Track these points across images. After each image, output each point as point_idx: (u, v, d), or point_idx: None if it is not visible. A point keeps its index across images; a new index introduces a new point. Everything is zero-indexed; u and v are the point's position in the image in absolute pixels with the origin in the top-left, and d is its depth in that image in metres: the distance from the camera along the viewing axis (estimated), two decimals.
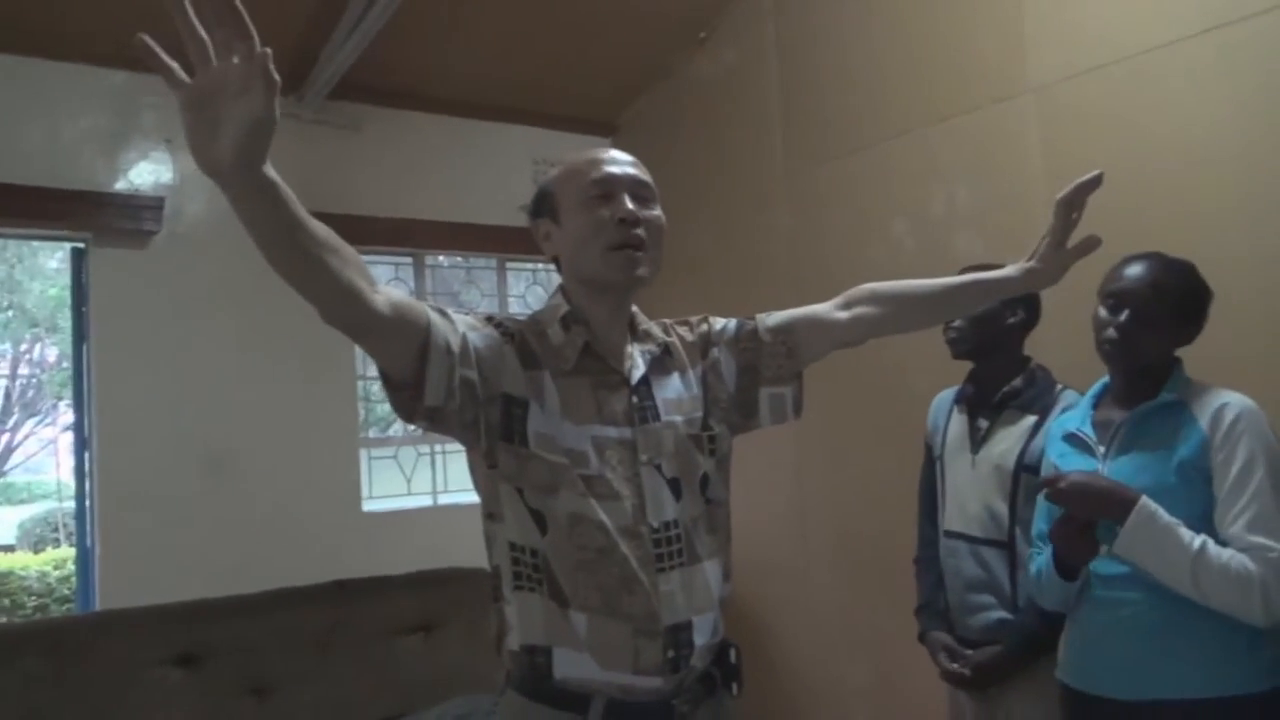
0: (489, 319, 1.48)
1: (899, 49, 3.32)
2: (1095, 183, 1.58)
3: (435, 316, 1.36)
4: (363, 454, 4.05)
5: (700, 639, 1.45)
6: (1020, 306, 2.28)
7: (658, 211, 1.52)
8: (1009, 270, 1.65)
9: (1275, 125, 2.35)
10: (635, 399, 1.50)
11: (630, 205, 1.48)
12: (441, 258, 4.50)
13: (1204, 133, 2.48)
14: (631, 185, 1.51)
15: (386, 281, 4.30)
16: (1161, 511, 1.71)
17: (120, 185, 3.54)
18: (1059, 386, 2.26)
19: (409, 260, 4.33)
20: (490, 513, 1.47)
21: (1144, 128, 2.61)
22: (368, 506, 4.03)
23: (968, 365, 2.38)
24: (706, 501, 1.53)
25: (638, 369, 1.52)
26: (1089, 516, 1.77)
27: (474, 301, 4.62)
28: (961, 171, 3.11)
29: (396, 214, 4.03)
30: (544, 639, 1.41)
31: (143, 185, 3.58)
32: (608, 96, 4.50)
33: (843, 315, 1.65)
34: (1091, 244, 1.60)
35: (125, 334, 3.50)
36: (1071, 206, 1.60)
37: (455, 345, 1.36)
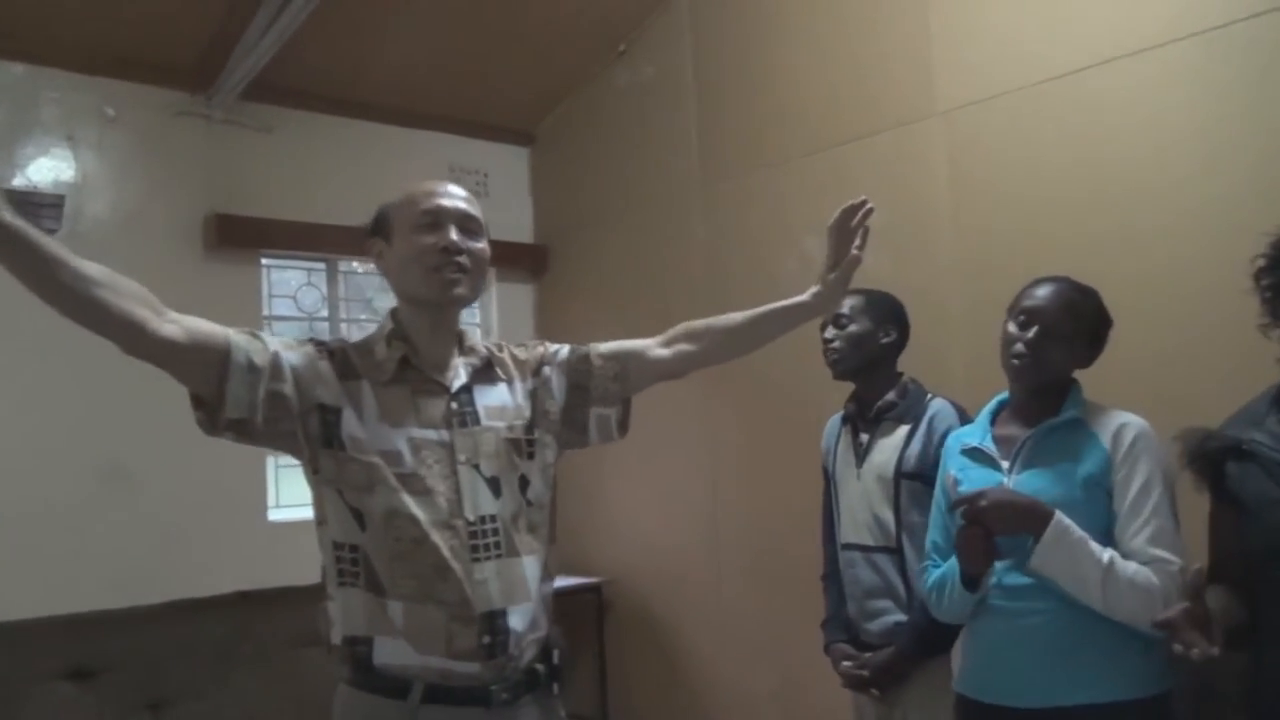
0: (310, 340, 1.61)
1: (812, 70, 3.40)
2: (861, 209, 1.67)
3: (239, 338, 1.48)
4: (269, 462, 3.96)
5: (518, 626, 1.55)
6: (893, 327, 2.40)
7: (483, 244, 1.66)
8: (802, 296, 1.73)
9: (1167, 153, 2.47)
10: (454, 405, 1.63)
11: (454, 236, 1.60)
12: (355, 264, 4.43)
13: (1098, 158, 2.60)
14: (459, 218, 1.62)
15: (297, 288, 4.23)
16: (1074, 526, 1.78)
17: (18, 181, 3.42)
18: (928, 396, 2.37)
19: (322, 266, 4.26)
20: (319, 519, 1.58)
21: (1043, 152, 2.72)
22: (273, 515, 3.95)
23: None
24: (527, 503, 1.64)
25: (459, 378, 1.65)
26: (1007, 532, 1.82)
27: (387, 308, 4.56)
28: (870, 190, 3.14)
29: (309, 219, 3.95)
30: (364, 629, 1.52)
31: (42, 182, 3.46)
32: (526, 105, 4.50)
33: (665, 351, 1.79)
34: (853, 263, 1.67)
35: (20, 335, 3.37)
36: (842, 232, 1.68)
37: (262, 362, 1.48)
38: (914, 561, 2.21)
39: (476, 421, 1.63)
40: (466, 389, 1.65)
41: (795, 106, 3.46)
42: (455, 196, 1.65)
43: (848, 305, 2.38)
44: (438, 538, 1.52)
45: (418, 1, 3.62)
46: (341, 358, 1.60)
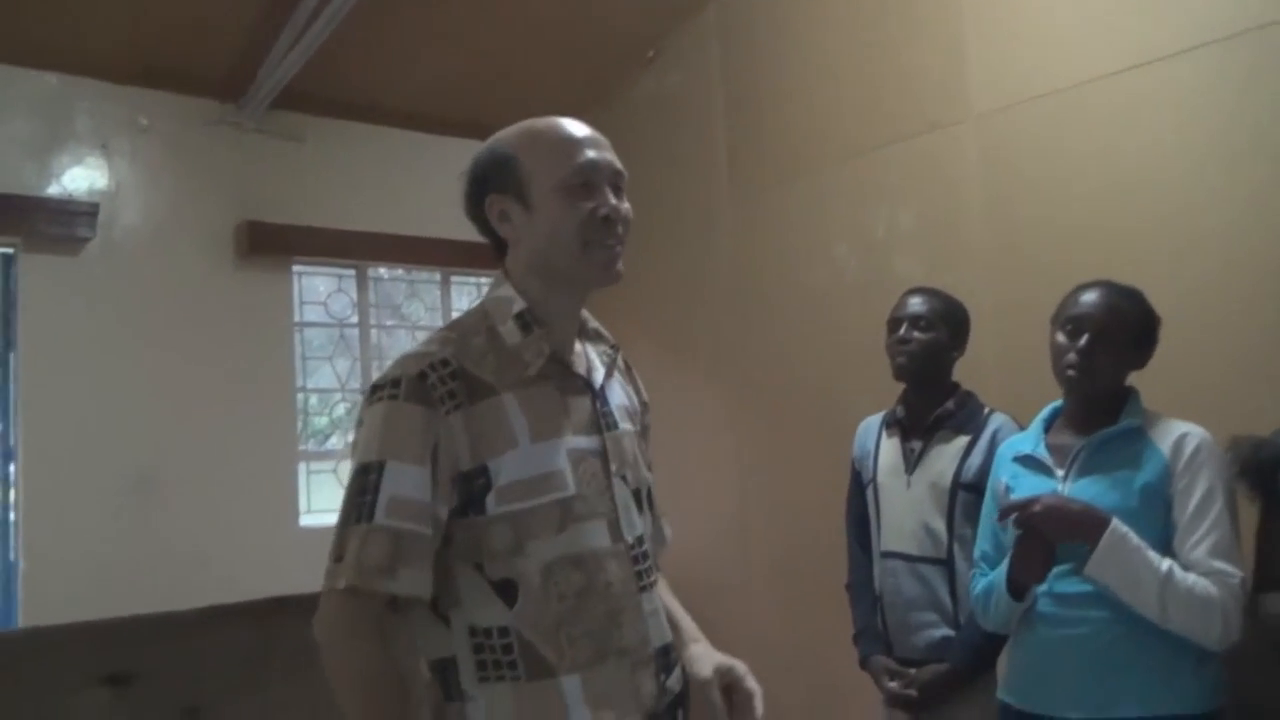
0: (421, 379, 1.23)
1: (842, 76, 3.37)
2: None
3: (425, 529, 1.20)
4: (301, 467, 3.98)
5: (675, 658, 1.36)
6: (963, 342, 2.36)
7: (628, 204, 1.37)
8: (693, 646, 1.43)
9: (1201, 155, 2.43)
10: (598, 404, 1.35)
11: (612, 199, 1.32)
12: (384, 270, 4.45)
13: (1133, 161, 2.56)
14: (613, 175, 1.35)
15: (327, 295, 4.25)
16: (1132, 533, 1.75)
17: (53, 190, 3.46)
18: (987, 409, 2.32)
19: (351, 272, 4.28)
20: (443, 603, 1.26)
21: (1076, 156, 2.68)
22: (305, 521, 3.97)
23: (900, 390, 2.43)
24: (654, 518, 1.44)
25: (597, 372, 1.38)
26: (1061, 539, 1.80)
27: (417, 315, 4.58)
28: (902, 196, 3.17)
29: (339, 225, 3.98)
30: None
31: (76, 191, 3.50)
32: (555, 112, 4.48)
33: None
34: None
35: (55, 343, 3.42)
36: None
37: (440, 514, 1.21)
38: (965, 574, 2.14)
39: (616, 425, 1.36)
40: (602, 386, 1.37)
41: (826, 112, 3.43)
42: (603, 146, 1.35)
43: (928, 307, 2.32)
44: (610, 573, 1.27)
45: (447, 10, 3.62)
46: (463, 380, 1.24)
